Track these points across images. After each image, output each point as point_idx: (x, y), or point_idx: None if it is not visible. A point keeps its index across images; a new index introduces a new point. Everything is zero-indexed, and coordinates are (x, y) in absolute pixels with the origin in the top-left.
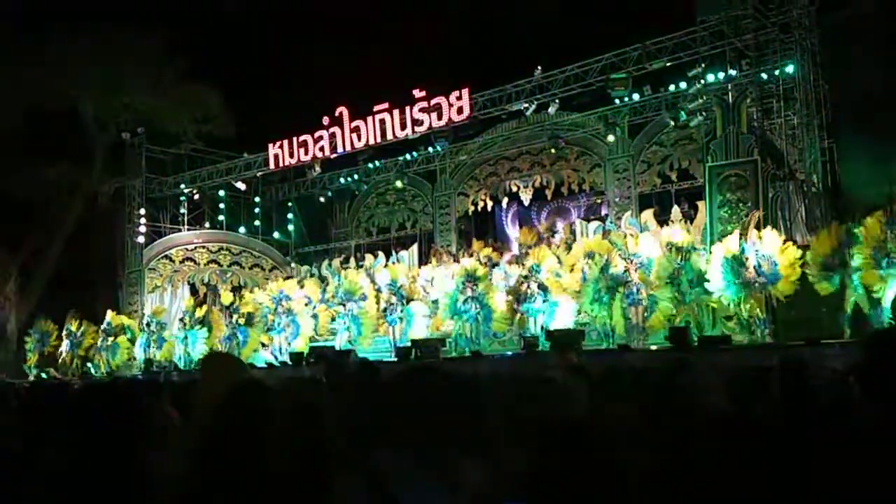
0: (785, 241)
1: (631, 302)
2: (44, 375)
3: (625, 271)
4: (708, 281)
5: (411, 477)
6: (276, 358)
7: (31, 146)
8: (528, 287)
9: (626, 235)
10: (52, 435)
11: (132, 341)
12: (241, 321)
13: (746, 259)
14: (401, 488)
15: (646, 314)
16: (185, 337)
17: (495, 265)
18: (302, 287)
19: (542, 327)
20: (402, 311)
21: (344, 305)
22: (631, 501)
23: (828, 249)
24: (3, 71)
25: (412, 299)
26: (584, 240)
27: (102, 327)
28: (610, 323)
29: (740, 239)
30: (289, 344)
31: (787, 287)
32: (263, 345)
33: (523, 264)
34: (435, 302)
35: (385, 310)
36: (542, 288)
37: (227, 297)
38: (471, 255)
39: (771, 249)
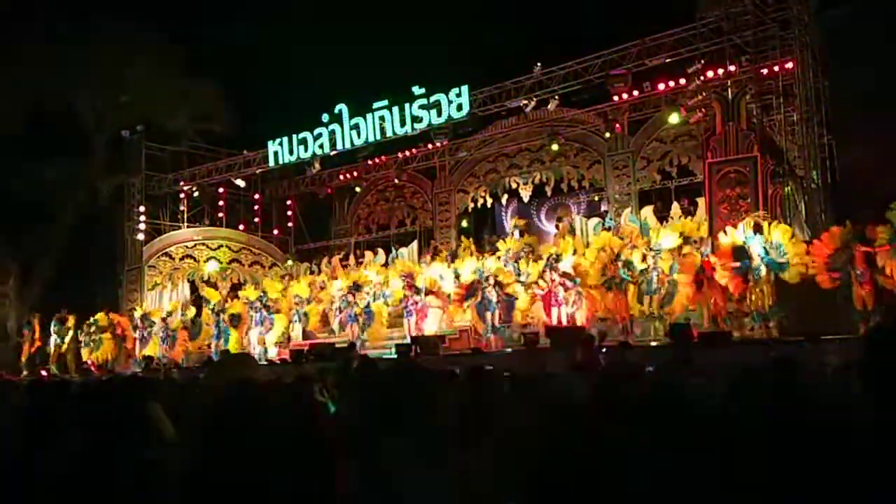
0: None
1: (649, 291)
2: (43, 373)
3: (642, 260)
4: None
5: (412, 472)
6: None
7: (30, 145)
8: (552, 278)
9: (632, 232)
10: (53, 434)
11: (123, 338)
12: (226, 321)
13: (750, 248)
14: (402, 484)
15: (663, 302)
16: (167, 336)
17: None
18: (284, 284)
19: (566, 317)
20: (418, 305)
21: (354, 295)
22: (629, 499)
23: (834, 247)
24: (2, 70)
25: (431, 292)
26: (596, 236)
27: (88, 323)
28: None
29: (745, 231)
30: (264, 341)
31: (794, 274)
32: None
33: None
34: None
35: (400, 303)
36: (567, 277)
37: (212, 294)
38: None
39: (780, 239)
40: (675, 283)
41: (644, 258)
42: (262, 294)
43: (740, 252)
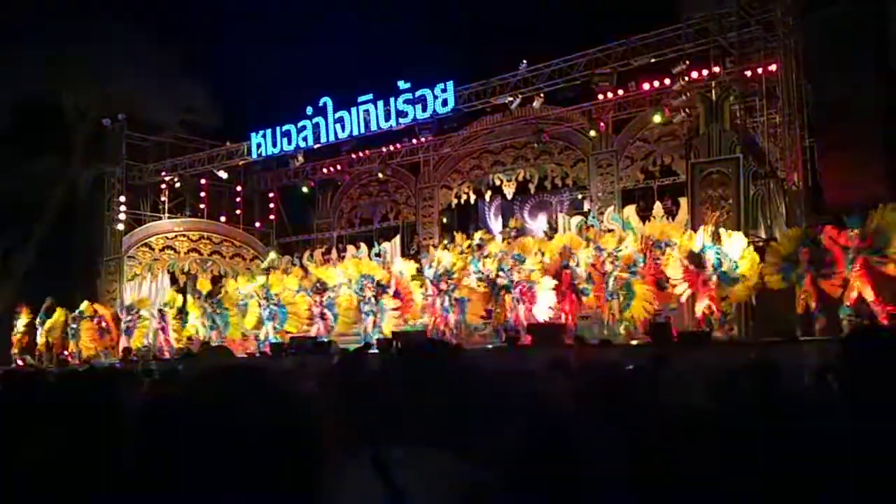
0: (757, 243)
1: (609, 296)
2: (19, 363)
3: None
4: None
5: (410, 471)
6: (259, 347)
7: (9, 137)
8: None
9: (605, 231)
10: (26, 426)
11: (107, 330)
12: (221, 310)
13: (704, 256)
14: (402, 482)
15: (623, 305)
16: (163, 326)
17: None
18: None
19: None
20: (375, 305)
21: (320, 295)
22: (608, 498)
23: (789, 249)
24: None
25: (397, 292)
26: (558, 235)
27: (73, 314)
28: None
29: (703, 238)
30: (277, 333)
31: (743, 292)
32: (244, 335)
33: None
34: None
35: (359, 303)
36: (529, 277)
37: (204, 284)
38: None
39: (734, 251)
40: (632, 287)
41: (604, 262)
42: (265, 286)
43: (696, 258)
